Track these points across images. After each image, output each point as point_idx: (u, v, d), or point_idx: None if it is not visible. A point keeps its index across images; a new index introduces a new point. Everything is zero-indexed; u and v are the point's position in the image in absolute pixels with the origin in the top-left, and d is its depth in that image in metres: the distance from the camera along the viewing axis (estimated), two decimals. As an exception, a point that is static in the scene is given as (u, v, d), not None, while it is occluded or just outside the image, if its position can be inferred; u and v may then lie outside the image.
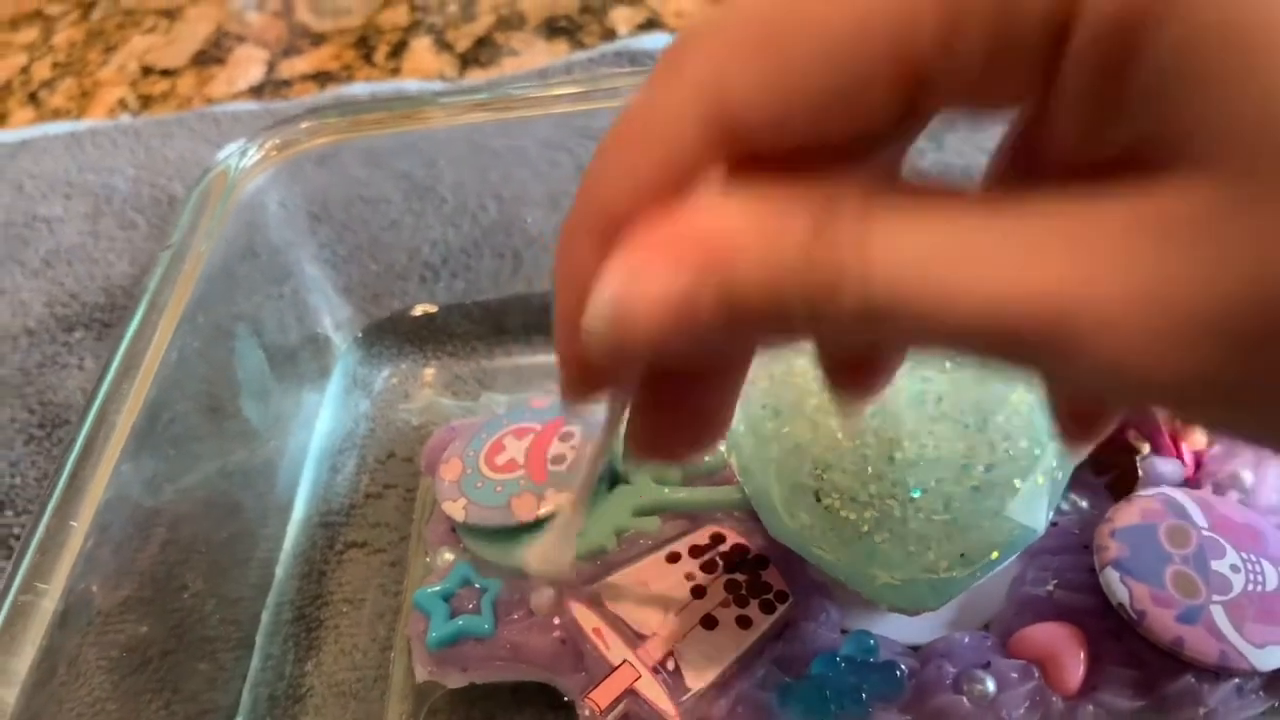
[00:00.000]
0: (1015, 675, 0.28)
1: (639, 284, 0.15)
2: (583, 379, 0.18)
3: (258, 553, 0.36)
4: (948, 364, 0.30)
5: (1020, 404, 0.29)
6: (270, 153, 0.37)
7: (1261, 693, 0.27)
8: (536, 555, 0.24)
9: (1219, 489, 0.31)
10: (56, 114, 0.59)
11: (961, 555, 0.27)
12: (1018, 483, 0.28)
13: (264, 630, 0.34)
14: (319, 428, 0.39)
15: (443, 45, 0.59)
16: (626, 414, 0.19)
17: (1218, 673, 0.27)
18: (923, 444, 0.28)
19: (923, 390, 0.29)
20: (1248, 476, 0.31)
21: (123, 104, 0.59)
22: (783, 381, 0.30)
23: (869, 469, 0.28)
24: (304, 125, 0.37)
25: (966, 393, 0.29)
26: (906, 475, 0.28)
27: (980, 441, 0.28)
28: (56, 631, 0.28)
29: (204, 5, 0.66)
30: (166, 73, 0.61)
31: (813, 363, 0.27)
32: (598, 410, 0.19)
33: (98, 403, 0.30)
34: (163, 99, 0.59)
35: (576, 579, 0.30)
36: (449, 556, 0.32)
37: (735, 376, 0.20)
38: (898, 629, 0.30)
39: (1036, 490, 0.28)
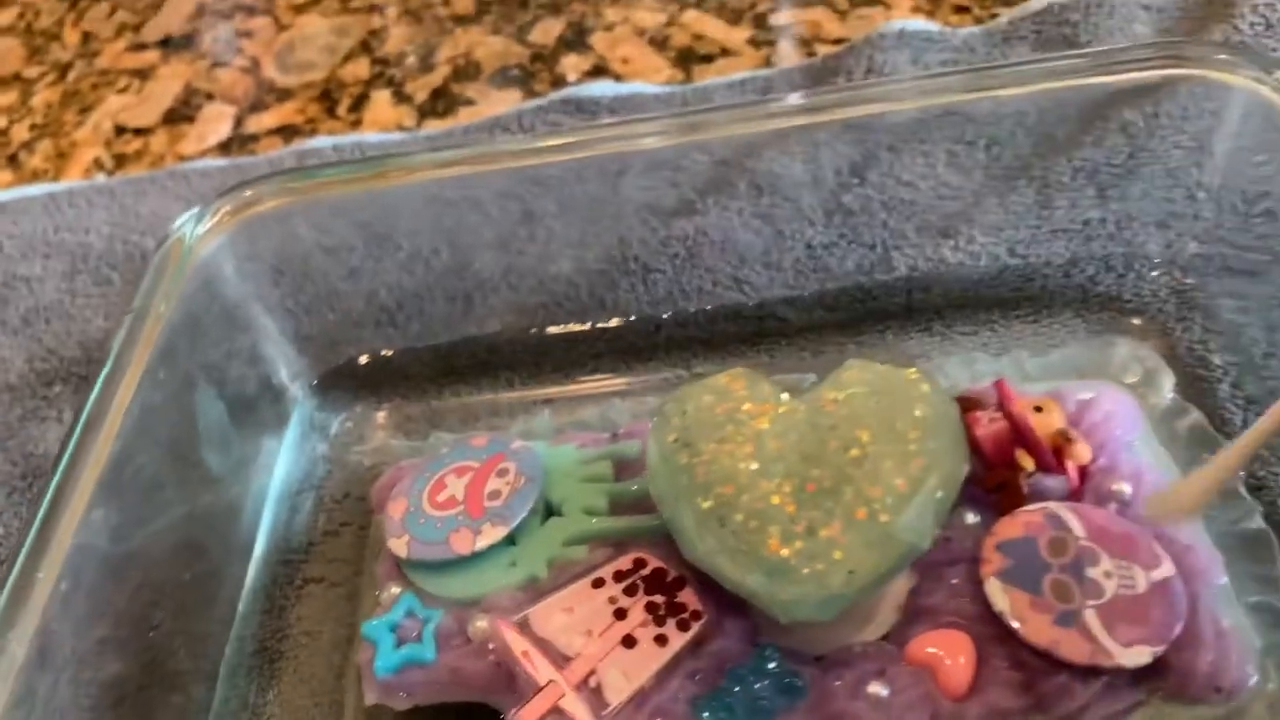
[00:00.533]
0: (907, 680, 0.30)
1: None
2: None
3: (223, 591, 0.38)
4: (841, 395, 0.32)
5: (909, 429, 0.31)
6: (224, 216, 0.40)
7: (1131, 688, 0.30)
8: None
9: (1100, 501, 0.33)
10: (35, 175, 0.62)
11: (850, 572, 0.30)
12: (904, 504, 0.30)
13: (228, 663, 0.37)
14: (278, 471, 0.42)
15: (401, 97, 0.62)
16: None
17: (1090, 671, 0.30)
18: (817, 471, 0.31)
19: (817, 420, 0.32)
20: (1126, 488, 0.33)
21: (98, 163, 0.62)
22: (693, 416, 0.33)
23: (769, 498, 0.31)
24: (254, 190, 0.40)
25: (859, 421, 0.31)
26: (802, 500, 0.31)
27: (869, 466, 0.30)
28: (34, 673, 0.31)
29: (175, 64, 0.68)
30: (139, 131, 0.64)
31: (720, 396, 0.30)
32: None
33: (66, 458, 0.33)
34: (136, 157, 0.62)
35: (509, 605, 0.33)
36: (395, 590, 0.35)
37: None
38: (804, 641, 0.32)
39: (922, 510, 0.30)
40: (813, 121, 0.43)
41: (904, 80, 0.44)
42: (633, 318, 0.45)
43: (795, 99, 0.42)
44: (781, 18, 0.61)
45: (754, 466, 0.31)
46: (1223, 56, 0.37)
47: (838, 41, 0.58)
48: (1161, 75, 0.39)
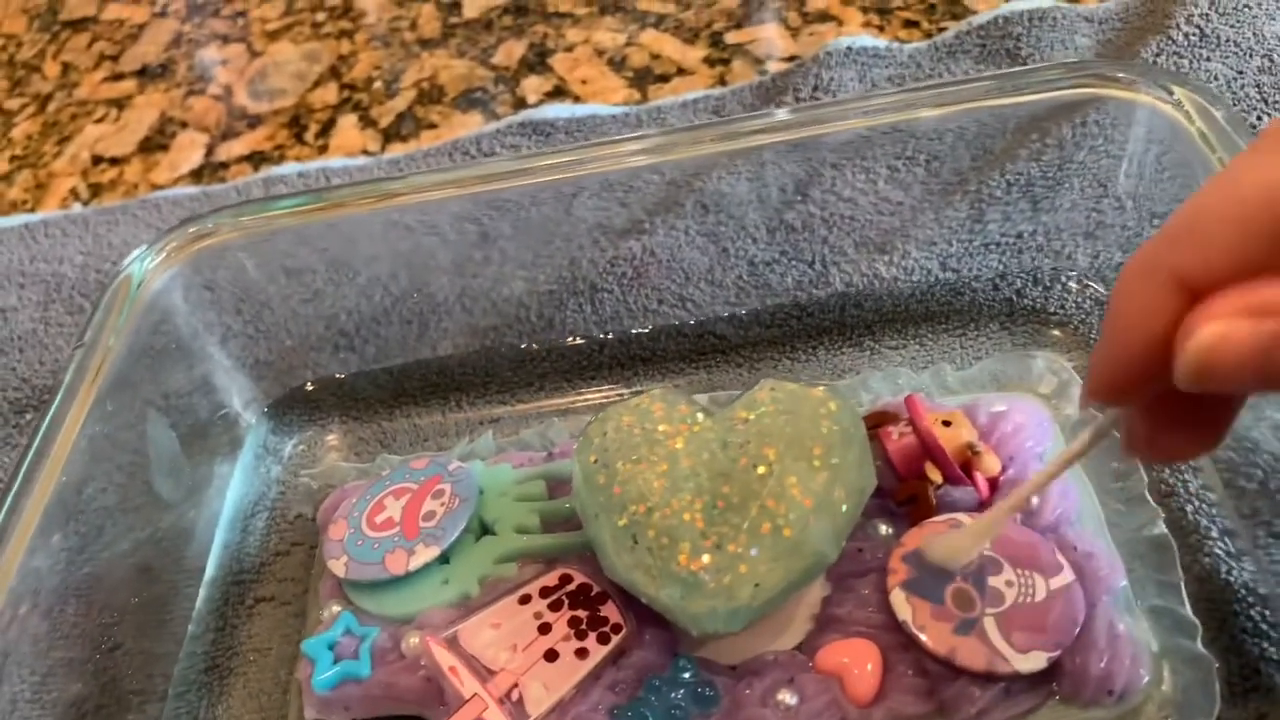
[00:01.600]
0: (815, 688, 0.32)
1: (1231, 333, 0.21)
2: (1111, 391, 0.24)
3: (177, 611, 0.40)
4: (751, 414, 0.34)
5: (815, 446, 0.32)
6: (174, 251, 0.41)
7: (1028, 693, 0.31)
8: (942, 545, 0.32)
9: (1007, 511, 0.34)
10: (14, 206, 0.64)
11: (756, 585, 0.31)
12: (809, 519, 0.31)
13: (180, 680, 0.38)
14: (231, 494, 0.43)
15: (367, 121, 0.63)
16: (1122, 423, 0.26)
17: (988, 677, 0.31)
18: (726, 489, 0.32)
19: (728, 439, 0.33)
20: (1033, 499, 0.34)
21: (74, 193, 0.63)
22: (612, 437, 0.34)
23: (681, 515, 0.32)
24: (201, 225, 0.42)
25: (767, 439, 0.33)
26: (711, 516, 0.32)
27: (775, 483, 0.32)
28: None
29: (151, 93, 0.70)
30: (115, 161, 0.65)
31: (639, 417, 0.32)
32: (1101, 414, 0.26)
33: (14, 487, 0.35)
34: (111, 186, 0.64)
35: (440, 622, 0.34)
36: (335, 608, 0.36)
37: (1241, 401, 0.25)
38: (721, 651, 0.34)
39: (826, 524, 0.32)
40: (759, 144, 0.44)
41: (845, 102, 0.45)
42: (579, 338, 0.47)
43: (743, 124, 0.44)
44: (735, 36, 0.62)
45: (667, 485, 0.33)
46: (1124, 76, 0.38)
47: (790, 59, 0.59)
48: (1075, 95, 0.40)
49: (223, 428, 0.44)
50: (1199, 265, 0.22)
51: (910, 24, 0.60)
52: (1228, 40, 0.51)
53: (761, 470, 0.32)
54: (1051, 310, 0.43)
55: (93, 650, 0.37)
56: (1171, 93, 0.37)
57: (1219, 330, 0.21)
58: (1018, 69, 0.48)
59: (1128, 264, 0.23)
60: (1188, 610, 0.33)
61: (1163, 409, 0.25)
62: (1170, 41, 0.51)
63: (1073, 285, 0.43)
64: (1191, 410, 0.24)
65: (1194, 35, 0.51)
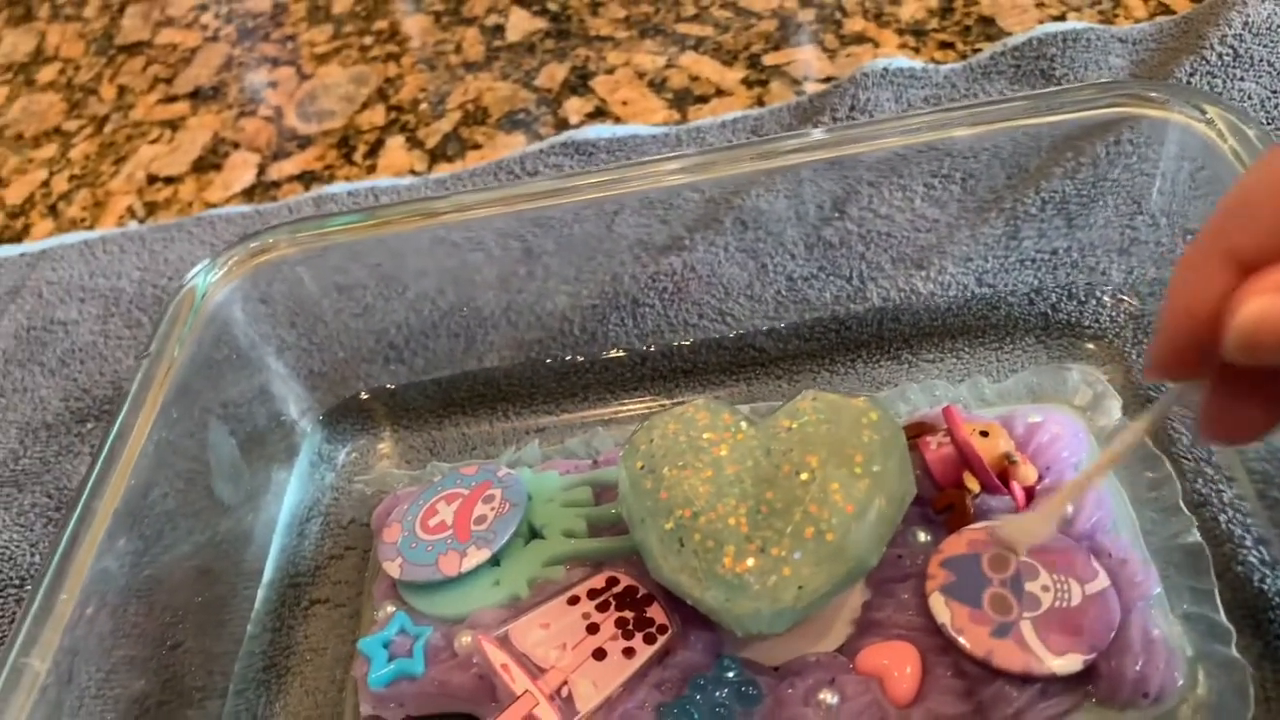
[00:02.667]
0: (856, 689, 0.33)
1: (1274, 310, 0.22)
2: (1170, 365, 0.26)
3: (236, 612, 0.41)
4: (794, 423, 0.35)
5: (856, 454, 0.33)
6: (234, 266, 0.43)
7: (1064, 694, 0.32)
8: (1014, 527, 0.32)
9: (1043, 519, 0.35)
10: (73, 224, 0.66)
11: (800, 587, 0.32)
12: (850, 525, 0.32)
13: (240, 678, 0.40)
14: (288, 500, 0.45)
15: (414, 142, 0.65)
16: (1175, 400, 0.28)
17: (1025, 678, 0.32)
18: (770, 494, 0.33)
19: (771, 446, 0.34)
20: (1069, 507, 0.35)
21: (130, 211, 0.65)
22: (659, 444, 0.35)
23: (726, 519, 0.33)
24: (261, 241, 0.43)
25: (810, 447, 0.34)
26: (755, 521, 0.33)
27: (818, 489, 0.33)
28: (62, 689, 0.34)
29: (203, 114, 0.72)
30: (170, 180, 0.67)
31: (684, 425, 0.33)
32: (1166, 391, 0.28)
33: (86, 491, 0.36)
34: (166, 205, 0.66)
35: (492, 621, 0.36)
36: (390, 608, 0.38)
37: None
38: (764, 653, 0.35)
39: (866, 530, 0.33)
40: (797, 162, 0.45)
41: (881, 122, 0.46)
42: (621, 351, 0.48)
43: (781, 143, 0.45)
44: (772, 58, 0.63)
45: (712, 490, 0.34)
46: (1157, 95, 0.39)
47: (827, 80, 0.61)
48: (1109, 114, 0.41)
49: (280, 435, 0.46)
50: (1249, 243, 0.23)
51: (945, 45, 0.61)
52: (1261, 60, 0.51)
53: (804, 477, 0.33)
54: (1086, 324, 0.44)
55: (156, 648, 0.39)
56: (1204, 112, 0.38)
57: (1265, 304, 0.22)
58: (1051, 89, 0.49)
59: (1187, 247, 0.25)
60: (1222, 616, 0.33)
61: (1232, 386, 0.25)
62: (1204, 62, 0.52)
63: (1107, 300, 0.44)
64: (1260, 387, 0.25)
65: (1228, 55, 0.52)
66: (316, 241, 0.44)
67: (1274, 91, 0.50)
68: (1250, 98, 0.50)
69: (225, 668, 0.40)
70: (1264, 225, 0.23)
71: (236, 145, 0.69)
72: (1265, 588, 0.35)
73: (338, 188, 0.61)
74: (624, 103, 0.64)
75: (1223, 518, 0.36)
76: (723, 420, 0.36)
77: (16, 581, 0.45)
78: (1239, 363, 0.23)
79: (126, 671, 0.37)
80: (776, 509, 0.33)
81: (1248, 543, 0.36)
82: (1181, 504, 0.36)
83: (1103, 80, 0.52)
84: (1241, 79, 0.51)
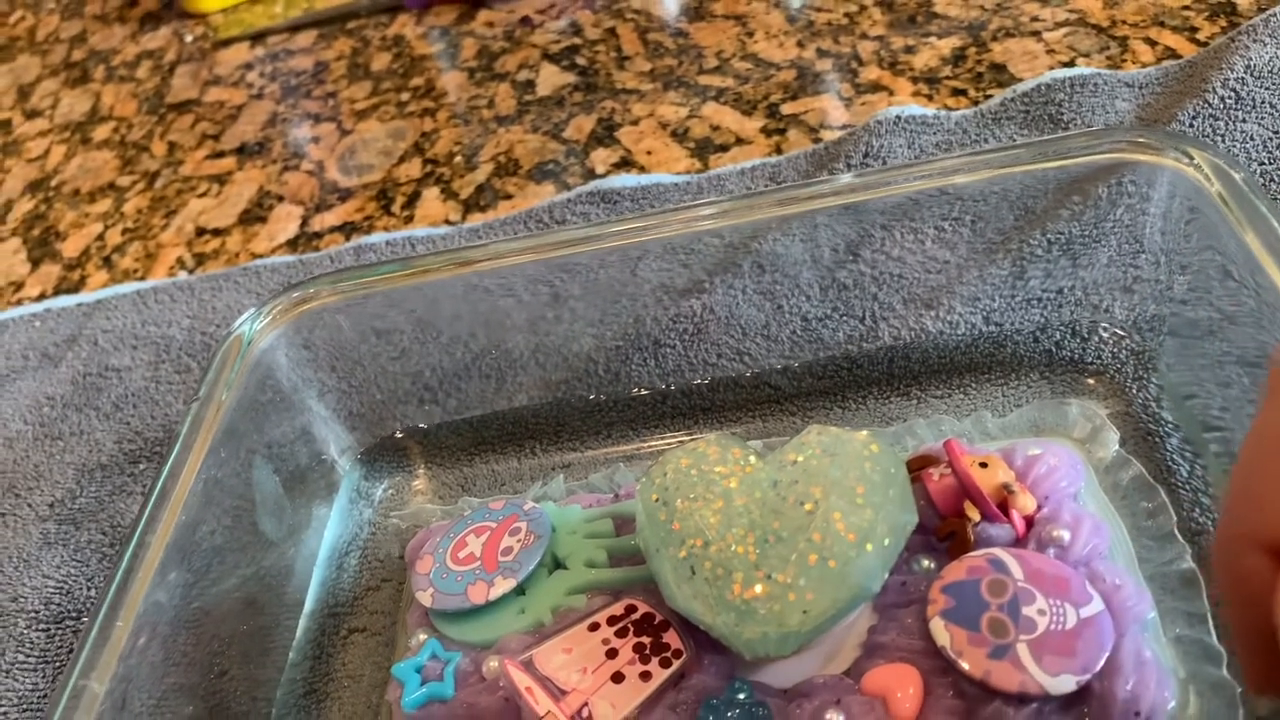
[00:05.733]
0: (861, 709, 0.34)
1: None
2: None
3: (278, 641, 0.44)
4: (800, 456, 0.37)
5: (858, 486, 0.35)
6: (278, 314, 0.46)
7: (1059, 713, 0.33)
8: None
9: (1042, 546, 0.37)
10: (126, 274, 0.69)
11: (805, 612, 0.34)
12: (852, 552, 0.34)
13: (282, 704, 0.42)
14: (328, 535, 0.47)
15: (449, 193, 0.68)
16: None
17: (1021, 698, 0.33)
18: (777, 524, 0.35)
19: (778, 478, 0.36)
20: (1065, 534, 0.37)
21: (180, 262, 0.69)
22: (672, 478, 0.37)
23: (734, 548, 0.35)
24: (303, 291, 0.46)
25: (814, 479, 0.36)
26: (763, 550, 0.35)
27: (821, 519, 0.35)
28: (117, 714, 0.36)
29: (249, 169, 0.76)
30: (217, 232, 0.71)
31: (697, 459, 0.35)
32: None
33: (139, 527, 0.39)
34: (214, 255, 0.69)
35: (517, 647, 0.38)
36: (422, 636, 0.40)
37: None
38: (774, 676, 0.36)
39: (868, 557, 0.34)
40: (814, 208, 0.47)
41: (892, 170, 0.48)
42: (643, 390, 0.50)
43: (797, 191, 0.47)
44: (790, 107, 0.66)
45: (722, 521, 0.36)
46: (1146, 141, 0.41)
47: (843, 127, 0.63)
48: (1106, 160, 0.43)
49: (320, 473, 0.49)
50: (1269, 530, 0.22)
51: (958, 92, 0.63)
52: (1263, 102, 0.53)
53: (809, 507, 0.35)
54: (1089, 360, 0.45)
55: (203, 676, 0.41)
56: (1191, 157, 0.40)
57: None
58: (1052, 136, 0.51)
59: (1215, 549, 0.24)
60: (1214, 639, 0.35)
61: None
62: (1206, 105, 0.53)
63: (1108, 337, 0.46)
64: None
65: (1229, 98, 0.53)
66: (356, 290, 0.47)
67: (1276, 133, 0.52)
68: (1252, 139, 0.52)
69: (268, 694, 0.43)
70: (1276, 507, 0.22)
71: (281, 198, 0.72)
72: (1258, 612, 0.36)
73: (376, 238, 0.64)
74: (648, 152, 0.66)
75: (1217, 545, 0.38)
76: (733, 455, 0.38)
77: (74, 614, 0.48)
78: None
79: (176, 698, 0.40)
80: (783, 538, 0.35)
81: (1241, 569, 0.37)
82: (1176, 532, 0.38)
83: (1099, 129, 0.54)
84: (1244, 121, 0.53)
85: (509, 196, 0.66)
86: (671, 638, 0.37)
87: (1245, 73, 0.54)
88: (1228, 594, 0.24)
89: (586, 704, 0.36)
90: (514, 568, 0.40)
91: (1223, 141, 0.51)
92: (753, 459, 0.38)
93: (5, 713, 0.45)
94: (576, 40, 0.79)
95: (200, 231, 0.71)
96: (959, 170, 0.44)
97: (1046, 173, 0.45)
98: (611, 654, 0.37)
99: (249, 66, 0.88)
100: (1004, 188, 0.46)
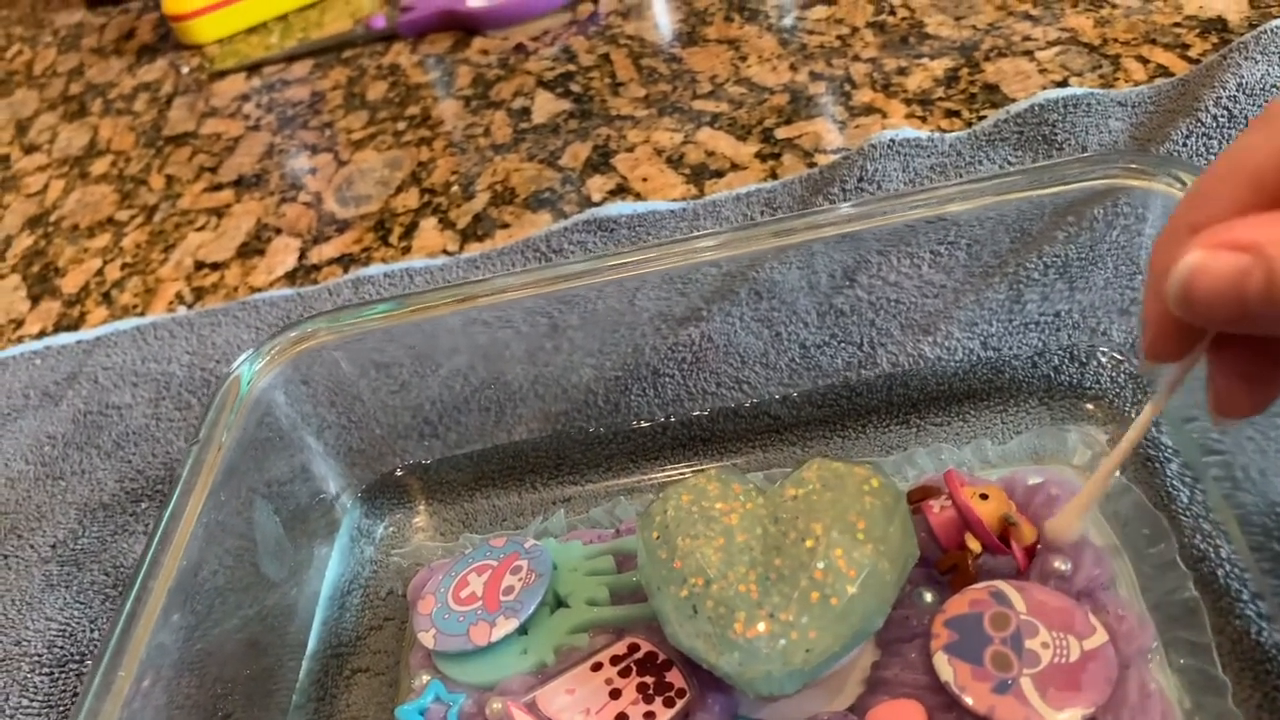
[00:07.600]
0: (865, 746, 0.34)
1: (1207, 263, 0.23)
2: (1160, 343, 0.27)
3: (282, 683, 0.44)
4: (799, 491, 0.37)
5: (858, 521, 0.35)
6: (275, 355, 0.46)
7: (1064, 748, 0.33)
8: (1052, 526, 0.36)
9: (1044, 578, 0.37)
10: (126, 310, 0.69)
11: (808, 650, 0.34)
12: (854, 589, 0.34)
13: (286, 746, 0.42)
14: (329, 574, 0.47)
15: (446, 223, 0.68)
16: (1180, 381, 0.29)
17: (1026, 733, 0.33)
18: (778, 561, 0.35)
19: (778, 514, 0.36)
20: (1065, 566, 0.37)
21: (179, 297, 0.69)
22: (672, 515, 0.37)
23: (736, 586, 0.35)
24: (300, 330, 0.46)
25: (814, 514, 0.36)
26: (765, 587, 0.35)
27: (822, 555, 0.35)
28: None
29: (247, 201, 0.76)
30: (216, 266, 0.71)
31: (697, 495, 0.35)
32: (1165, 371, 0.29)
33: (142, 570, 0.39)
34: (213, 289, 0.69)
35: (520, 688, 0.38)
36: (425, 677, 0.40)
37: None
38: (778, 713, 0.36)
39: (869, 593, 0.34)
40: (811, 238, 0.47)
41: (888, 199, 0.48)
42: (643, 421, 0.50)
43: (793, 221, 0.47)
44: (785, 131, 0.66)
45: (723, 558, 0.36)
46: (1137, 166, 0.41)
47: (838, 151, 0.63)
48: (1099, 185, 0.43)
49: (321, 512, 0.49)
50: (1206, 220, 0.24)
51: (952, 114, 0.63)
52: (1255, 120, 0.53)
53: (810, 543, 0.35)
54: (1087, 385, 0.45)
55: (207, 719, 0.41)
56: (1184, 182, 0.40)
57: (1197, 260, 0.23)
58: (1044, 163, 0.51)
59: (1159, 233, 0.26)
60: (1218, 669, 0.35)
61: (1230, 362, 0.27)
62: (1199, 124, 0.53)
63: (1106, 362, 0.46)
64: (1258, 355, 0.27)
65: (1222, 117, 0.53)
66: (354, 328, 0.47)
67: (1268, 151, 0.52)
68: (1246, 157, 0.52)
69: (273, 736, 0.43)
70: (1222, 202, 0.25)
71: (279, 231, 0.72)
72: (1262, 640, 0.36)
73: (374, 269, 0.64)
74: (644, 179, 0.66)
75: (1220, 572, 0.38)
76: (733, 490, 0.38)
77: (77, 657, 0.47)
78: (1183, 318, 0.24)
79: (182, 741, 0.40)
80: (784, 575, 0.35)
81: (1244, 597, 0.37)
82: (1179, 559, 0.37)
83: (1092, 154, 0.54)
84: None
85: (506, 225, 0.66)
86: (675, 677, 0.37)
87: (1238, 90, 0.54)
88: (1149, 270, 0.27)
89: (590, 745, 0.35)
90: (516, 607, 0.40)
91: (1216, 161, 0.51)
92: (753, 494, 0.38)
93: (10, 759, 0.45)
94: (571, 67, 0.79)
95: (199, 265, 0.71)
96: (954, 198, 0.44)
97: (1041, 197, 0.46)
98: (615, 694, 0.37)
99: (245, 97, 0.89)
100: (999, 212, 0.46)
